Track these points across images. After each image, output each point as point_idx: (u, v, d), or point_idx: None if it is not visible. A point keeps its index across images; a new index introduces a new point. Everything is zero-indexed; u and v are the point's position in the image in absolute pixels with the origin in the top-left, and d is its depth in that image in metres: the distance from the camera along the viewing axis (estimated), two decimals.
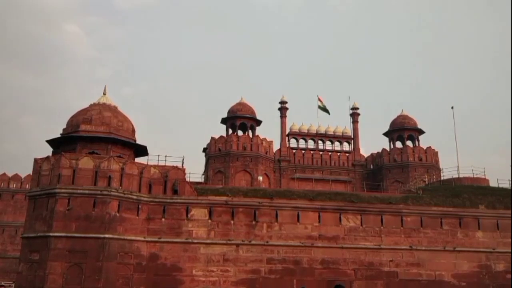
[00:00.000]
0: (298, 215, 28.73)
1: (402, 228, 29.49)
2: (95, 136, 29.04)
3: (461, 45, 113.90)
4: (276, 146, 49.35)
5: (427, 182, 40.89)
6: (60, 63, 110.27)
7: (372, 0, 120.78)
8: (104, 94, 32.09)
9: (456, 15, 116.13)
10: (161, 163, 29.09)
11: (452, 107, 45.13)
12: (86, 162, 26.35)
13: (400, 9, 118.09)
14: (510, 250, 29.96)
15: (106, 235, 25.02)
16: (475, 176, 36.27)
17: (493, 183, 35.32)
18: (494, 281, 29.31)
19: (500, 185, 34.18)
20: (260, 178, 44.09)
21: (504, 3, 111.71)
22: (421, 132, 50.54)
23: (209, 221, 27.78)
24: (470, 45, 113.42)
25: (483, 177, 36.50)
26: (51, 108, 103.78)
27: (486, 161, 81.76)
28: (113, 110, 31.20)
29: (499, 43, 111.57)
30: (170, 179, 28.09)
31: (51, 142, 29.76)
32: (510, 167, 44.37)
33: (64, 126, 30.42)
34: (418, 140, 50.22)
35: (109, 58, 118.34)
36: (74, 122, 30.07)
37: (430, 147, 48.79)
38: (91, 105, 31.16)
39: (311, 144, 52.10)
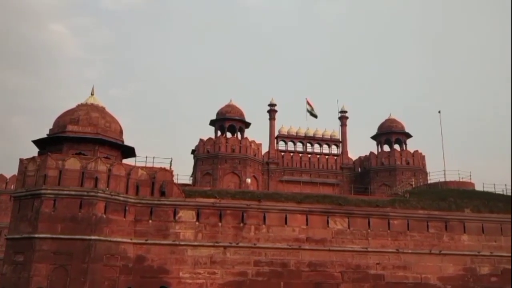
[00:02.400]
0: (285, 218, 28.75)
1: (389, 231, 29.67)
2: (82, 137, 28.79)
3: (448, 50, 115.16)
4: (264, 149, 49.43)
5: (414, 186, 41.21)
6: (46, 63, 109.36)
7: (361, 4, 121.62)
8: (92, 94, 31.85)
9: (443, 20, 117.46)
10: (149, 165, 28.95)
11: (439, 112, 45.68)
12: (72, 163, 26.10)
13: (389, 13, 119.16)
14: (495, 254, 30.27)
15: (92, 237, 24.78)
16: (461, 180, 36.68)
17: (478, 187, 35.75)
18: (478, 284, 29.60)
19: (486, 189, 34.62)
20: (249, 180, 44.07)
21: (489, 8, 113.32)
22: (408, 136, 50.94)
23: (197, 223, 27.68)
24: (457, 50, 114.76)
25: (469, 181, 36.95)
26: (37, 108, 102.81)
27: (472, 165, 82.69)
28: (101, 110, 30.97)
29: (486, 48, 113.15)
30: (158, 180, 27.94)
31: (37, 142, 29.44)
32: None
33: (51, 127, 30.11)
34: (406, 144, 50.62)
35: (97, 59, 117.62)
36: (61, 122, 29.78)
37: (417, 151, 49.20)
38: (78, 106, 30.89)
39: (299, 146, 52.22)
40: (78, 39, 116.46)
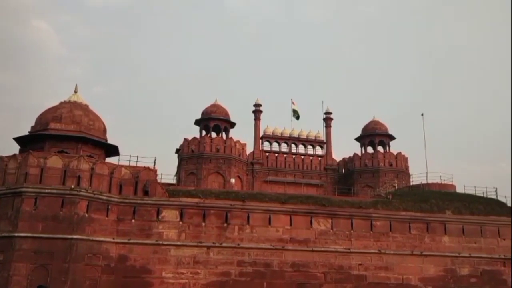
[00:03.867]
0: (269, 218, 28.81)
1: (371, 232, 29.94)
2: (65, 135, 28.51)
3: (432, 54, 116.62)
4: (249, 149, 49.34)
5: (396, 187, 41.62)
6: (29, 60, 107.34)
7: (347, 7, 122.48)
8: (75, 92, 31.53)
9: (427, 23, 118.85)
10: (133, 164, 28.76)
11: (422, 114, 46.25)
12: (54, 161, 25.78)
13: (373, 16, 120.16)
14: (475, 255, 30.82)
15: (74, 236, 24.51)
16: (442, 182, 37.13)
17: (459, 189, 36.23)
18: (458, 285, 30.06)
19: (467, 191, 35.09)
20: (233, 180, 43.99)
21: (471, 12, 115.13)
22: (392, 138, 51.41)
23: (180, 223, 27.58)
24: (441, 54, 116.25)
25: (450, 183, 37.42)
26: (18, 105, 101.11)
27: (454, 167, 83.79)
28: (84, 108, 30.68)
29: (470, 51, 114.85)
30: (141, 180, 27.75)
31: (18, 140, 29.04)
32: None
33: (33, 124, 29.72)
34: (389, 146, 51.07)
35: (80, 56, 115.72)
36: (43, 120, 29.42)
37: (400, 152, 49.66)
38: (61, 103, 30.55)
39: (284, 147, 52.26)
40: (61, 36, 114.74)
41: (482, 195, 35.01)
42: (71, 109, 29.90)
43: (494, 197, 34.98)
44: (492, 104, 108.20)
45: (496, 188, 35.46)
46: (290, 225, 29.01)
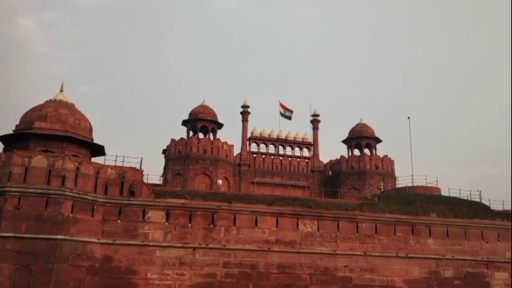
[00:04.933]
0: (256, 220, 28.81)
1: (357, 234, 30.10)
2: (50, 134, 28.22)
3: (418, 57, 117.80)
4: (236, 150, 49.31)
5: (382, 190, 41.91)
6: (13, 58, 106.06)
7: (333, 8, 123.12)
8: (61, 91, 31.23)
9: (412, 26, 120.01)
10: (119, 164, 28.59)
11: (408, 118, 46.60)
12: (39, 161, 25.48)
13: (361, 18, 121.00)
14: (459, 257, 31.18)
15: (58, 236, 24.23)
16: (428, 185, 37.42)
17: (444, 192, 36.58)
18: (442, 287, 30.35)
19: (451, 194, 35.43)
20: (220, 181, 43.89)
21: (457, 15, 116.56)
22: (378, 140, 51.76)
23: (166, 223, 27.44)
24: (427, 57, 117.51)
25: (435, 186, 37.76)
26: (2, 103, 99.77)
27: (439, 170, 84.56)
28: (70, 107, 30.39)
29: (456, 55, 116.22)
30: (127, 180, 27.55)
31: (2, 138, 28.67)
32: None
33: (17, 123, 29.36)
34: (375, 149, 51.42)
35: (66, 55, 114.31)
36: (28, 118, 29.08)
37: (386, 155, 50.02)
38: (47, 102, 30.24)
39: (271, 149, 52.36)
40: (46, 34, 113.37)
41: (466, 198, 35.40)
42: (57, 108, 29.59)
43: (478, 200, 35.41)
44: (477, 108, 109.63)
45: (480, 191, 35.93)
46: (277, 226, 29.04)
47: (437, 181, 38.14)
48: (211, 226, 28.05)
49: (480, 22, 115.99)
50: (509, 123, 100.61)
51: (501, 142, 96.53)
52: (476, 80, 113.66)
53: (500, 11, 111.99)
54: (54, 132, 28.30)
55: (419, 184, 37.33)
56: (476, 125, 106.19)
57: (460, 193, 35.33)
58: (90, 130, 30.96)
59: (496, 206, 34.83)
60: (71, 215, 25.09)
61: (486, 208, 34.29)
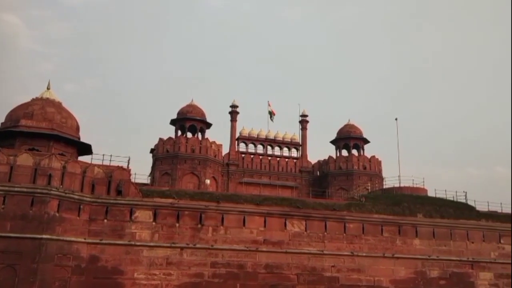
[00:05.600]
0: (244, 220, 28.80)
1: (344, 234, 30.24)
2: (36, 132, 27.94)
3: (406, 59, 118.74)
4: (225, 150, 49.27)
5: (370, 190, 42.17)
6: None
7: (320, 10, 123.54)
8: (48, 89, 30.94)
9: (400, 27, 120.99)
10: (106, 163, 28.35)
11: (396, 119, 47.01)
12: (25, 159, 25.16)
13: (349, 19, 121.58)
14: (444, 258, 31.50)
15: (44, 236, 23.93)
16: (414, 185, 37.78)
17: (431, 193, 36.96)
18: (428, 287, 30.62)
19: (437, 195, 35.81)
20: (208, 181, 43.79)
21: (444, 16, 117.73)
22: (366, 141, 52.06)
23: (154, 223, 27.30)
24: (415, 59, 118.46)
25: (422, 187, 38.13)
26: None
27: (425, 171, 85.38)
28: (57, 106, 30.11)
29: (444, 56, 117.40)
30: (115, 179, 27.35)
31: None
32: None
33: (3, 120, 29.00)
34: (363, 149, 51.71)
35: (53, 52, 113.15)
36: (14, 116, 28.75)
37: (374, 156, 50.33)
38: (33, 100, 29.93)
39: (260, 149, 52.38)
40: (33, 32, 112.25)
41: (452, 199, 35.80)
42: (43, 106, 29.29)
43: (463, 201, 35.80)
44: (462, 111, 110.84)
45: (465, 192, 36.36)
46: (264, 226, 29.06)
47: (423, 182, 38.59)
48: (199, 226, 27.97)
49: (466, 25, 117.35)
50: (493, 125, 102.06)
51: (485, 144, 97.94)
52: (462, 83, 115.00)
53: (483, 13, 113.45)
54: (40, 131, 28.00)
55: (406, 185, 37.68)
56: (462, 127, 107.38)
57: (446, 194, 35.81)
58: (77, 128, 30.70)
59: (481, 207, 35.30)
60: (57, 215, 24.82)
61: (471, 209, 34.69)
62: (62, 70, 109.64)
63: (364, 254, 30.04)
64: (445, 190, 35.84)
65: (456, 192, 36.22)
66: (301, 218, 29.84)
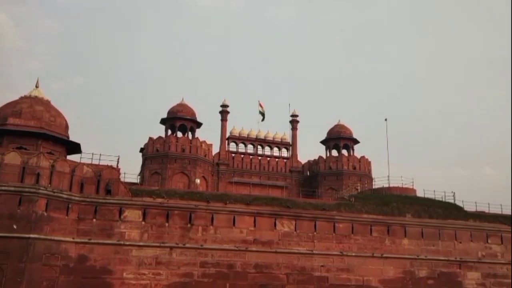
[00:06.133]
0: (234, 219, 28.78)
1: (334, 234, 30.35)
2: (24, 131, 27.69)
3: (395, 59, 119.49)
4: (215, 149, 49.19)
5: (359, 190, 42.37)
6: None
7: (311, 11, 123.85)
8: (37, 87, 30.67)
9: (393, 30, 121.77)
10: (95, 162, 28.14)
11: (385, 119, 47.24)
12: (12, 158, 24.90)
13: (339, 20, 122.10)
14: (432, 257, 31.72)
15: (31, 235, 23.70)
16: (404, 186, 38.04)
17: (419, 193, 37.22)
18: (416, 286, 30.85)
19: (426, 195, 36.08)
20: (198, 180, 43.71)
21: (437, 19, 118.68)
22: (356, 141, 52.30)
23: (143, 223, 27.17)
24: (405, 58, 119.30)
25: (411, 187, 38.39)
26: None
27: (414, 172, 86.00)
28: (46, 104, 29.85)
29: (433, 56, 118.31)
30: (104, 178, 27.18)
31: None
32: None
33: None
34: (353, 149, 51.94)
35: (41, 50, 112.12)
36: (1, 114, 28.48)
37: (363, 156, 50.56)
38: (21, 98, 29.66)
39: (250, 148, 52.41)
40: (20, 29, 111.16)
41: (441, 199, 36.09)
42: (32, 104, 29.03)
43: (452, 201, 36.11)
44: (451, 112, 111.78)
45: (454, 193, 36.67)
46: (254, 226, 29.06)
47: (412, 182, 38.84)
48: (189, 225, 27.90)
49: (455, 26, 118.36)
50: (481, 126, 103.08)
51: (473, 145, 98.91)
52: (451, 84, 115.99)
53: (473, 14, 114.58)
54: (29, 129, 27.77)
55: (395, 185, 37.90)
56: (450, 128, 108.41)
57: (434, 194, 36.07)
58: (66, 127, 30.47)
59: (469, 207, 35.62)
60: (45, 214, 24.60)
61: (459, 209, 35.00)
62: (50, 68, 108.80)
63: (353, 254, 30.17)
64: (434, 191, 36.18)
65: (444, 192, 36.57)
66: (291, 218, 29.89)
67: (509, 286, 32.71)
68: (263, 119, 53.00)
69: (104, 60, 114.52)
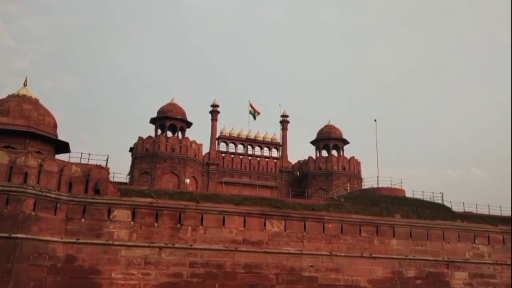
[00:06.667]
0: (223, 219, 28.75)
1: (323, 234, 30.44)
2: (12, 129, 27.41)
3: (385, 60, 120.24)
4: (205, 149, 49.13)
5: (349, 191, 42.53)
6: None
7: (303, 11, 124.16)
8: (25, 85, 30.40)
9: (380, 29, 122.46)
10: (84, 161, 27.96)
11: (375, 120, 47.54)
12: (0, 157, 24.63)
13: (329, 22, 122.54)
14: (421, 258, 31.92)
15: (19, 235, 23.50)
16: (392, 186, 38.26)
17: (408, 194, 37.48)
18: (405, 286, 31.04)
19: (415, 196, 36.32)
20: (187, 180, 43.60)
21: (421, 19, 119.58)
22: (345, 142, 52.53)
23: (132, 223, 27.05)
24: (394, 60, 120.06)
25: (399, 187, 38.63)
26: None
27: (403, 172, 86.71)
28: (34, 103, 29.60)
29: (423, 58, 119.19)
30: (93, 178, 27.00)
31: None
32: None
33: None
34: (343, 150, 52.16)
35: (29, 48, 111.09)
36: None
37: (353, 157, 50.81)
38: (9, 96, 29.38)
39: (240, 148, 52.39)
40: (9, 27, 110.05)
41: (429, 199, 36.34)
42: (20, 102, 28.77)
43: (440, 201, 36.39)
44: (441, 113, 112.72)
45: (442, 193, 36.96)
46: (244, 226, 29.06)
47: (401, 182, 39.07)
48: (178, 225, 27.83)
49: (445, 29, 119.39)
50: (469, 127, 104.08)
51: (461, 146, 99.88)
52: (440, 85, 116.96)
53: (463, 16, 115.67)
54: (17, 128, 27.52)
55: (384, 186, 38.13)
56: (439, 129, 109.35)
57: (423, 194, 36.35)
58: (55, 126, 30.23)
59: (457, 207, 35.93)
60: (33, 213, 24.39)
61: (447, 209, 35.29)
62: (39, 66, 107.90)
63: (342, 254, 30.29)
64: (422, 191, 36.47)
65: (433, 193, 36.84)
66: (280, 218, 29.93)
67: (495, 286, 33.07)
68: (254, 118, 53.02)
69: (93, 59, 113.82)
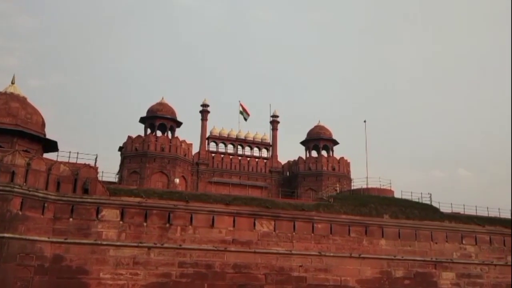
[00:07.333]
0: (213, 219, 28.70)
1: (312, 234, 30.52)
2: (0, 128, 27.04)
3: (375, 60, 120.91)
4: (195, 149, 48.94)
5: (338, 191, 42.67)
6: None
7: (294, 12, 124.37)
8: (13, 83, 30.06)
9: (372, 31, 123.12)
10: (72, 161, 27.72)
11: (364, 121, 47.73)
12: None
13: (319, 21, 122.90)
14: (409, 258, 32.18)
15: (5, 235, 23.26)
16: (381, 187, 38.49)
17: (397, 194, 37.71)
18: (393, 286, 31.26)
19: (403, 197, 36.57)
20: (177, 180, 43.42)
21: (412, 19, 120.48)
22: (335, 142, 52.70)
23: (121, 222, 26.89)
24: (384, 60, 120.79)
25: (388, 188, 38.85)
26: None
27: (392, 173, 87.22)
28: (22, 101, 29.30)
29: (413, 59, 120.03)
30: (81, 177, 26.79)
31: None
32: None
33: None
34: (332, 151, 52.31)
35: (16, 46, 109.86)
36: None
37: (343, 157, 50.98)
38: None
39: (230, 148, 52.31)
40: None
41: (417, 200, 36.59)
42: (7, 101, 28.45)
43: (428, 202, 36.66)
44: (429, 114, 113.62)
45: (430, 194, 37.23)
46: (234, 226, 29.04)
47: (390, 183, 39.32)
48: (167, 225, 27.71)
49: (437, 29, 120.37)
50: (457, 128, 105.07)
51: (449, 147, 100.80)
52: (429, 87, 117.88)
53: (455, 17, 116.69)
54: (4, 126, 27.23)
55: (374, 186, 38.35)
56: (427, 130, 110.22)
57: (412, 195, 36.61)
58: (43, 124, 29.94)
59: (445, 208, 36.24)
60: (20, 213, 24.14)
61: (435, 210, 35.58)
62: (27, 64, 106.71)
63: (331, 254, 30.40)
64: (411, 192, 36.71)
65: (421, 193, 37.10)
66: (270, 218, 29.95)
67: (482, 286, 33.42)
68: (246, 120, 52.93)
69: (82, 57, 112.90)
